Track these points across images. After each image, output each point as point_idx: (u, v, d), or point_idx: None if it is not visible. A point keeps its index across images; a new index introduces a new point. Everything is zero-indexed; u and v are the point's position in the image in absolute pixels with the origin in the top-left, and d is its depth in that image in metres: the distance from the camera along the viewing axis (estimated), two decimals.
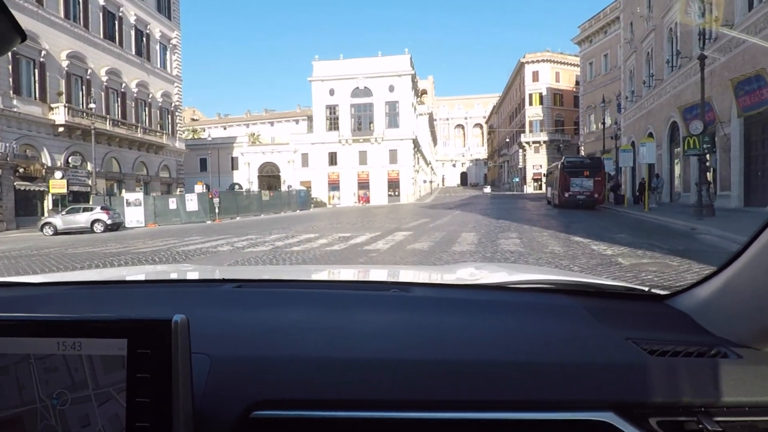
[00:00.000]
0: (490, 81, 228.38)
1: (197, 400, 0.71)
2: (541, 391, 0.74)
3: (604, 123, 31.37)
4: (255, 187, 51.59)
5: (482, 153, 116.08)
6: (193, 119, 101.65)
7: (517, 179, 69.29)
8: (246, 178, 52.07)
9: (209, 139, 59.68)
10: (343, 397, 0.74)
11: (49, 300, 1.17)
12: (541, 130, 65.02)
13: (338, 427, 0.73)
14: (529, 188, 65.00)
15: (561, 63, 65.81)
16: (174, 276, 1.76)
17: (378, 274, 1.83)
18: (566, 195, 24.13)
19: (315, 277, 1.75)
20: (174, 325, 0.65)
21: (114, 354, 0.66)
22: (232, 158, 53.09)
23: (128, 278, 1.71)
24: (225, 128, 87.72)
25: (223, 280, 1.38)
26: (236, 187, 52.21)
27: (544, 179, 39.74)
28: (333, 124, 50.98)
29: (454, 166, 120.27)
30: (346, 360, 0.80)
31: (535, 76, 65.39)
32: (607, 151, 30.99)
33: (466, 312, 1.02)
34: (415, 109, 54.08)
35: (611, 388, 0.74)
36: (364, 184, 50.40)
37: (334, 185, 50.95)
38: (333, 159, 50.71)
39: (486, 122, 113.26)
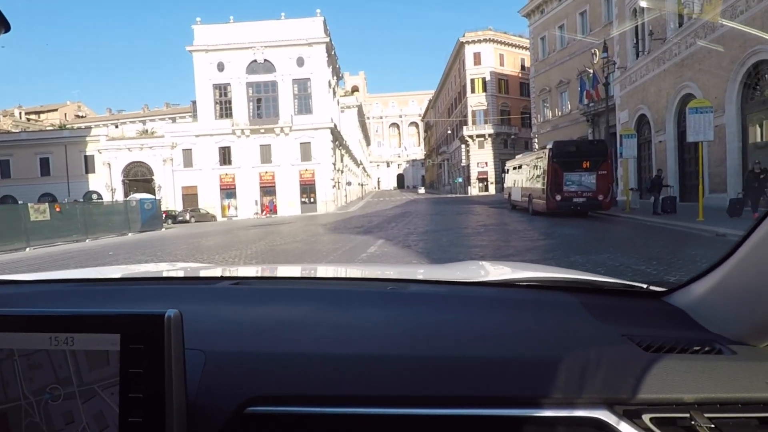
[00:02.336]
0: (425, 78, 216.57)
1: (191, 395, 0.69)
2: (535, 387, 0.73)
3: (606, 86, 19.98)
4: (120, 196, 36.95)
5: (419, 153, 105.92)
6: (78, 116, 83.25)
7: (460, 179, 58.57)
8: (105, 183, 37.15)
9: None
10: (339, 393, 0.73)
11: (41, 297, 1.14)
12: (486, 122, 54.68)
13: (333, 423, 0.72)
14: (474, 189, 54.39)
15: (505, 44, 55.81)
16: (171, 273, 1.69)
17: (376, 271, 1.73)
18: (558, 198, 15.88)
19: (312, 274, 1.69)
20: (167, 320, 0.63)
21: (105, 349, 0.64)
22: (86, 157, 37.91)
23: (123, 276, 1.59)
24: (117, 126, 71.08)
25: (221, 278, 1.35)
26: (94, 196, 37.26)
27: (504, 176, 29.26)
28: (224, 109, 37.28)
29: (388, 167, 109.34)
30: (342, 356, 0.79)
31: (477, 59, 54.92)
32: (614, 133, 19.85)
33: (463, 309, 1.00)
34: (334, 92, 41.54)
35: (605, 384, 0.72)
36: (268, 189, 37.14)
37: (228, 191, 37.26)
38: (226, 156, 37.04)
39: (422, 119, 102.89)
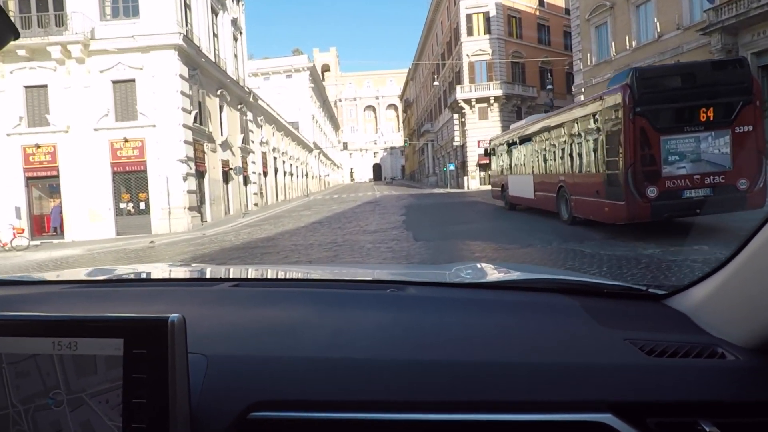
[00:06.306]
0: (406, 57, 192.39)
1: (194, 400, 0.67)
2: (538, 391, 0.71)
3: None
4: None
5: (398, 140, 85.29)
6: None
7: (452, 166, 38.14)
8: None
9: None
10: (342, 399, 0.71)
11: (45, 299, 1.12)
12: (490, 79, 34.32)
13: (336, 429, 0.70)
14: (473, 181, 34.15)
15: None
16: (171, 275, 1.66)
17: (375, 273, 1.69)
18: (651, 192, 6.36)
19: (312, 276, 1.66)
20: (170, 324, 0.61)
21: (108, 354, 0.61)
22: None
23: (125, 277, 1.59)
24: None
25: (220, 279, 1.31)
26: None
27: (491, 159, 13.97)
28: None
29: (362, 156, 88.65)
30: (344, 360, 0.76)
31: None
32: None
33: (463, 311, 0.97)
34: None
35: (609, 389, 0.70)
36: (47, 179, 16.38)
37: None
38: None
39: (401, 97, 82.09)
